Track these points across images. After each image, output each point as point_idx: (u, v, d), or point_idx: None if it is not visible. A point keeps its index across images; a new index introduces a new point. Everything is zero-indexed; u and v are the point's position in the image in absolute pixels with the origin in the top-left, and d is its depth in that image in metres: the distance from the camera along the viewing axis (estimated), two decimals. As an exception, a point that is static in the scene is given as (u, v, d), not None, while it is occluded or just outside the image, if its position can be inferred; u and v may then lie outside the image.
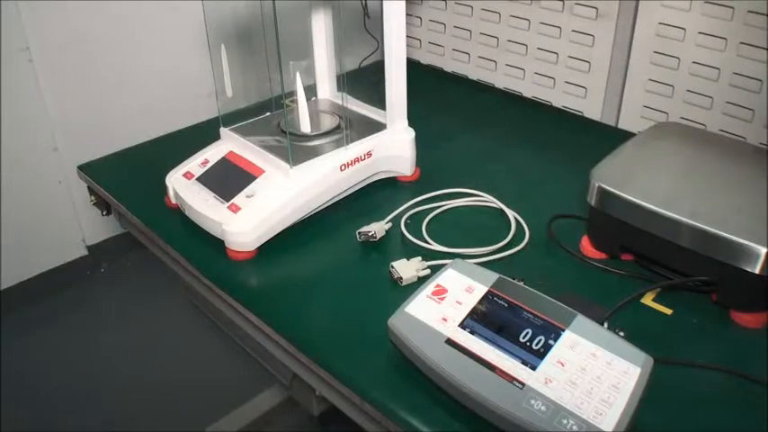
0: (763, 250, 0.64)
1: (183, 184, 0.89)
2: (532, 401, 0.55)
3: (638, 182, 0.76)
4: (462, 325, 0.63)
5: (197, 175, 0.90)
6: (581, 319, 0.61)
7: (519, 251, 0.82)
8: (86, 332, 1.83)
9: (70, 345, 1.70)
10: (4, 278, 1.92)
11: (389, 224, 0.86)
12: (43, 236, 1.93)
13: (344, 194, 0.92)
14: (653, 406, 0.58)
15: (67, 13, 1.73)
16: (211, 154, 0.92)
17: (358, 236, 0.83)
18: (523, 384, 0.57)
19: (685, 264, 0.72)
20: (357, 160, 0.90)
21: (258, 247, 0.83)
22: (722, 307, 0.72)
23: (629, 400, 0.54)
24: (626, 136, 0.89)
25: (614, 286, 0.77)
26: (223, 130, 0.94)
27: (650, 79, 1.19)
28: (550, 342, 0.60)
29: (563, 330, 0.61)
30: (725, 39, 1.07)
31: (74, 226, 1.98)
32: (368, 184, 0.95)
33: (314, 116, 0.95)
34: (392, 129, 0.94)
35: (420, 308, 0.65)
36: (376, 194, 0.95)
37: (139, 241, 1.01)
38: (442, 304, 0.65)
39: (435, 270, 0.71)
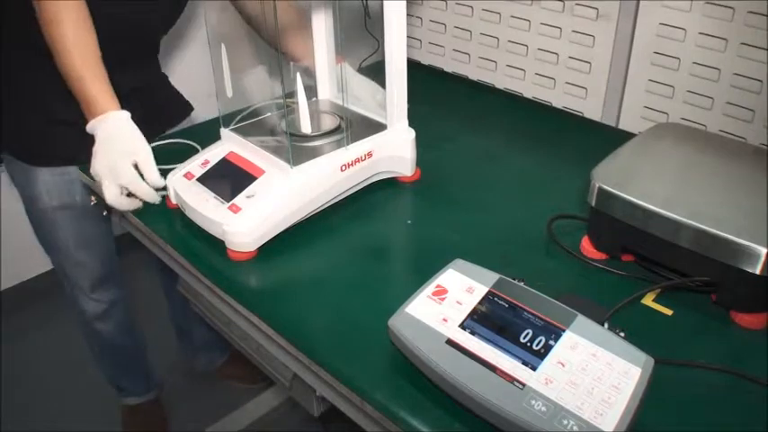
0: (763, 250, 0.64)
1: (184, 185, 0.89)
2: (533, 402, 0.55)
3: (638, 182, 0.76)
4: (463, 325, 0.63)
5: (197, 176, 0.90)
6: (581, 320, 0.61)
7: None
8: (86, 332, 1.83)
9: (70, 345, 1.70)
10: (4, 278, 1.92)
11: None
12: (43, 236, 1.92)
13: (345, 195, 0.92)
14: (653, 406, 0.58)
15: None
16: (212, 154, 0.92)
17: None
18: (524, 385, 0.57)
19: (685, 264, 0.72)
20: (357, 161, 0.90)
21: (259, 248, 0.83)
22: (722, 307, 0.73)
23: (630, 401, 0.54)
24: (626, 136, 0.89)
25: (614, 286, 0.77)
26: (223, 131, 0.94)
27: (650, 80, 1.19)
28: (551, 342, 0.60)
29: (563, 331, 0.61)
30: (725, 39, 1.07)
31: (74, 226, 1.97)
32: (368, 185, 0.96)
33: (314, 116, 0.95)
34: (392, 129, 0.94)
35: (420, 308, 0.65)
36: (376, 195, 0.95)
37: (139, 241, 1.01)
38: (442, 305, 0.65)
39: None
